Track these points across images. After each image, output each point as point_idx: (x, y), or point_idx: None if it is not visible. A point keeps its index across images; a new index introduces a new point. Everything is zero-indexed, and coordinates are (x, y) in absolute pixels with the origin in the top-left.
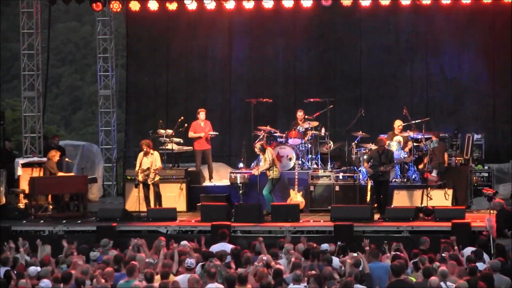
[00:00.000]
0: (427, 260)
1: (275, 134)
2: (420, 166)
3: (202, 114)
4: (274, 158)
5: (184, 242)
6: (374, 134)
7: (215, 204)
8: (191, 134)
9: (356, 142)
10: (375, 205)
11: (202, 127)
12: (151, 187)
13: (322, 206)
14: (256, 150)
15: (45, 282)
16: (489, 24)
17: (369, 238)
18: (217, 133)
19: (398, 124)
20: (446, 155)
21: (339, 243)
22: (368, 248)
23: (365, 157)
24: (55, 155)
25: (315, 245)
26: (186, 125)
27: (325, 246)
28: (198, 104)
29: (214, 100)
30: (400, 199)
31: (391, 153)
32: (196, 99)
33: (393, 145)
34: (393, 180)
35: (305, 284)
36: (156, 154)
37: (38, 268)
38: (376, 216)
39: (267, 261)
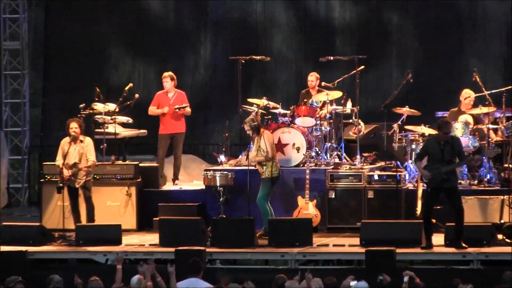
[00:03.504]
0: None
1: (275, 111)
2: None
3: (167, 82)
4: (273, 147)
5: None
6: (427, 111)
7: (181, 218)
8: (151, 109)
9: (400, 123)
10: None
11: (168, 100)
12: (81, 192)
13: (347, 222)
14: (246, 128)
15: None
16: None
17: (420, 272)
18: (187, 107)
19: (467, 95)
20: None
21: (380, 277)
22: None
23: (413, 147)
24: None
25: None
26: (137, 95)
27: (355, 283)
28: (156, 65)
29: (180, 59)
30: (468, 211)
31: (459, 143)
32: (154, 56)
33: (458, 128)
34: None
35: None
36: (88, 141)
37: None
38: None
39: None
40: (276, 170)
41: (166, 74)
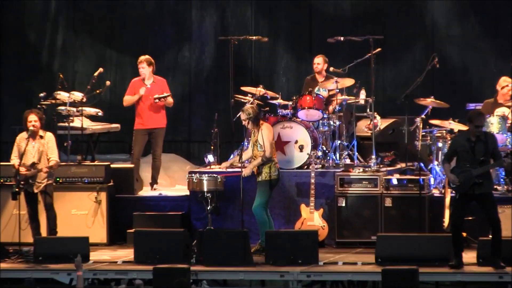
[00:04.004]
0: None
1: (274, 102)
2: None
3: (144, 67)
4: (272, 143)
5: None
6: (457, 102)
7: (161, 230)
8: (127, 99)
9: (424, 116)
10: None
11: (147, 89)
12: (40, 198)
13: (360, 236)
14: (243, 117)
15: None
16: None
17: None
18: (169, 97)
19: (504, 84)
20: None
21: None
22: None
23: (439, 145)
24: None
25: None
26: (108, 83)
27: None
28: (131, 47)
29: (161, 40)
30: (506, 223)
31: (493, 140)
32: (128, 36)
33: (493, 123)
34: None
35: None
36: (49, 137)
37: None
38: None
39: None
40: (275, 172)
41: (142, 58)
